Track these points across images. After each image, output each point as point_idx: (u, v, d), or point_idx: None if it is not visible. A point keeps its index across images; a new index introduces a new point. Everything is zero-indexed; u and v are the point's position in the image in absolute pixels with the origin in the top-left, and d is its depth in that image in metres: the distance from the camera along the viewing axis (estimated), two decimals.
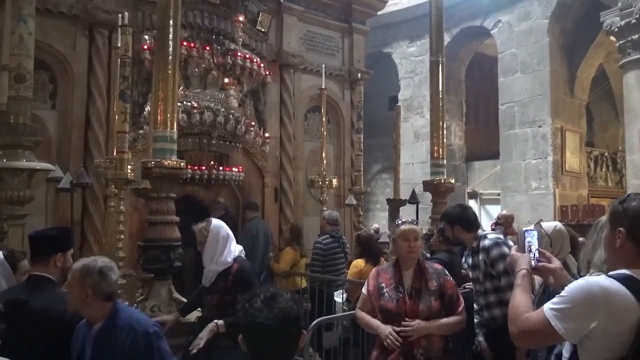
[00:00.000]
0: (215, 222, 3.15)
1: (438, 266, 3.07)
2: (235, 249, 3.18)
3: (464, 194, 11.72)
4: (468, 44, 12.05)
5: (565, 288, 1.66)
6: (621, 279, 1.58)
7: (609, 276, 1.61)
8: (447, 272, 3.03)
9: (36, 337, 2.20)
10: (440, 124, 5.39)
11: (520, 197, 10.13)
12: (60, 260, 2.59)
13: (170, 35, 3.62)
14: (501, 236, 3.48)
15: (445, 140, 5.52)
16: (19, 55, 3.65)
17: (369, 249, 4.87)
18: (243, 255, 3.26)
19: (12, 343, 2.15)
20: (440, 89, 5.39)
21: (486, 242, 3.37)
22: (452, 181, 5.49)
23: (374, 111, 11.57)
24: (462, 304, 2.97)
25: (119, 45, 4.97)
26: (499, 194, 10.71)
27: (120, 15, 5.01)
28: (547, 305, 1.65)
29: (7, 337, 2.14)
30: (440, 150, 5.38)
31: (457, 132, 12.30)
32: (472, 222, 3.54)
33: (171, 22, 3.64)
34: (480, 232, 3.49)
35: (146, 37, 6.04)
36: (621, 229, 1.65)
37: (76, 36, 5.94)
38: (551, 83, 9.88)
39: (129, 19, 5.00)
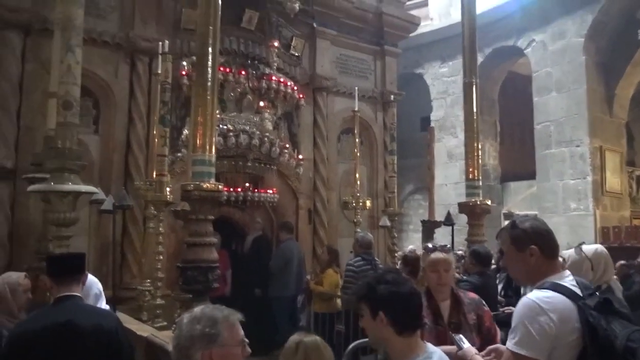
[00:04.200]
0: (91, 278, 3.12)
1: (473, 295, 2.88)
2: None
3: (499, 215, 11.51)
4: (501, 63, 11.96)
5: (513, 318, 1.85)
6: (550, 287, 1.83)
7: (540, 289, 1.84)
8: (483, 302, 2.85)
9: (94, 355, 2.26)
10: (475, 145, 5.33)
11: (559, 219, 9.88)
12: (84, 280, 2.68)
13: (209, 62, 3.72)
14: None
15: (480, 161, 5.46)
16: (66, 84, 3.80)
17: (418, 269, 4.73)
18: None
19: None
20: (475, 110, 5.35)
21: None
22: (488, 202, 5.41)
23: (405, 132, 11.54)
24: (499, 336, 2.80)
25: (159, 71, 5.15)
26: (536, 215, 10.48)
27: (160, 43, 5.21)
28: (508, 344, 1.83)
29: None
30: (476, 171, 5.31)
31: (491, 152, 12.14)
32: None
33: (210, 49, 3.75)
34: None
35: (184, 63, 6.23)
36: (534, 246, 1.91)
37: (118, 63, 6.17)
38: (588, 102, 9.69)
39: (168, 46, 5.18)
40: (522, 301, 1.85)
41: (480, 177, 5.43)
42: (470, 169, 5.34)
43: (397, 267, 5.81)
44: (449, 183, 11.89)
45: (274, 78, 6.66)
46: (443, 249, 2.81)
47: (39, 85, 5.38)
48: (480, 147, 5.48)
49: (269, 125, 6.70)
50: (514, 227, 1.98)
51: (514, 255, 1.98)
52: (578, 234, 8.94)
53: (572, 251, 2.88)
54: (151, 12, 6.35)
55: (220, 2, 3.72)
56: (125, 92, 6.15)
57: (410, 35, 9.38)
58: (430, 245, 2.87)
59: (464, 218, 5.74)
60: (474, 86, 5.39)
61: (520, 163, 12.54)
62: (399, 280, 1.85)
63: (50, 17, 5.14)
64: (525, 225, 1.96)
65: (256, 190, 6.60)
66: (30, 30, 5.57)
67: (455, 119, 11.88)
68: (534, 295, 1.83)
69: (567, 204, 9.82)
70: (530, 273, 1.94)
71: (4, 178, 5.31)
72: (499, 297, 4.38)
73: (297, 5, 6.52)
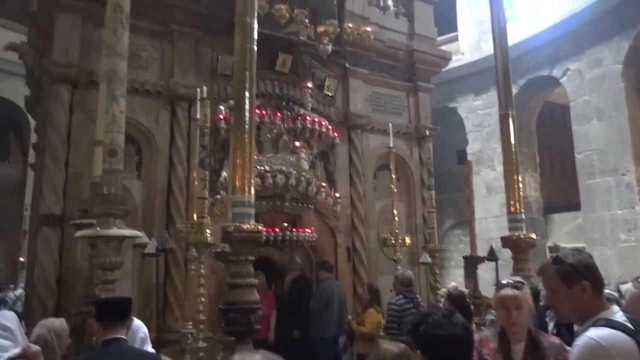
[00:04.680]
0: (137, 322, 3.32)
1: (554, 339, 2.65)
2: None
3: (544, 249, 11.13)
4: (536, 93, 11.84)
5: (572, 359, 1.79)
6: (606, 325, 1.76)
7: (596, 327, 1.77)
8: (565, 347, 2.52)
9: None
10: (515, 177, 5.23)
11: (608, 251, 9.49)
12: (129, 324, 2.73)
13: (247, 106, 3.82)
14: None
15: (521, 193, 5.33)
16: (111, 132, 3.96)
17: (462, 307, 4.58)
18: None
19: None
20: (513, 142, 5.27)
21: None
22: (533, 236, 5.24)
23: (442, 166, 11.44)
24: None
25: (198, 116, 5.31)
26: (583, 247, 10.09)
27: (198, 89, 5.39)
28: None
29: None
30: (517, 204, 5.18)
31: (531, 183, 11.89)
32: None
33: (247, 94, 3.86)
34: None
35: (221, 107, 6.40)
36: (585, 281, 1.84)
37: (159, 110, 6.41)
38: (631, 128, 9.44)
39: (206, 92, 5.36)
40: (583, 341, 1.76)
41: (523, 210, 5.30)
42: (512, 202, 5.22)
43: (441, 305, 5.66)
44: (489, 217, 11.65)
45: (308, 118, 6.77)
46: (515, 284, 2.60)
47: (86, 135, 5.63)
48: (520, 179, 5.36)
49: (305, 165, 6.77)
50: (559, 262, 1.91)
51: (564, 293, 1.89)
52: (629, 267, 8.55)
53: (629, 285, 2.77)
54: (189, 61, 6.61)
55: (255, 48, 3.85)
56: (166, 137, 6.35)
57: (442, 70, 9.42)
58: (504, 281, 2.67)
59: (507, 253, 5.58)
60: (511, 118, 5.33)
61: (562, 194, 12.19)
62: (441, 323, 1.75)
63: (96, 70, 5.43)
64: (572, 260, 1.89)
65: (294, 229, 6.62)
66: (78, 84, 5.88)
67: (492, 152, 11.73)
68: (594, 334, 1.75)
69: (616, 235, 9.44)
70: (582, 310, 1.86)
71: (53, 224, 5.51)
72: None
73: (329, 47, 6.67)
